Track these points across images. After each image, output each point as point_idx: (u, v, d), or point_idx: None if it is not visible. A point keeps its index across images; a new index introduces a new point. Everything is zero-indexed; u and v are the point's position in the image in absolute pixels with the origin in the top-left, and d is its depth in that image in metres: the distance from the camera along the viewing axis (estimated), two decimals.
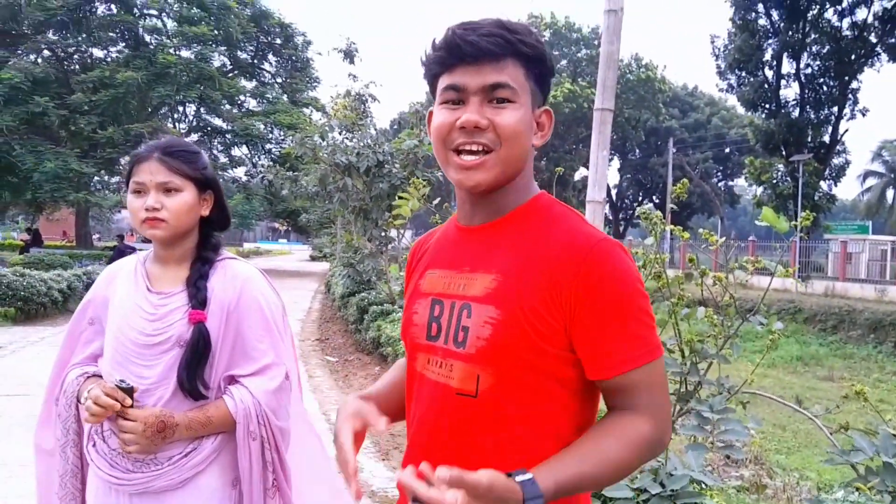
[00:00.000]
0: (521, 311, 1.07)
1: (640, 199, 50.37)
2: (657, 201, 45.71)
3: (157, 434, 1.54)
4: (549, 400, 1.11)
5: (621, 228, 48.26)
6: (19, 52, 24.83)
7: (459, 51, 1.10)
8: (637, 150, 48.33)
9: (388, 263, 10.38)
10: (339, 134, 11.22)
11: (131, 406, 1.53)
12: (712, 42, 31.00)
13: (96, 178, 27.06)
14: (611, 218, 49.36)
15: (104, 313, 1.71)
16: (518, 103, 1.11)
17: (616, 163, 48.18)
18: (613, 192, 48.59)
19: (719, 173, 50.52)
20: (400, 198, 3.52)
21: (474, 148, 1.10)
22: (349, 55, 11.96)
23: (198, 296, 1.64)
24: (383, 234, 10.33)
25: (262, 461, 1.66)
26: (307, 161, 11.09)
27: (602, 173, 2.87)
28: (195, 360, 1.60)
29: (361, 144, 9.40)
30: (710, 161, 47.39)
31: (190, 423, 1.59)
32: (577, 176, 42.35)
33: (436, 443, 1.16)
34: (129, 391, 1.53)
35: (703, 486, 2.59)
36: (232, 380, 1.68)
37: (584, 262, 1.07)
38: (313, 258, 35.51)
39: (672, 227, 3.40)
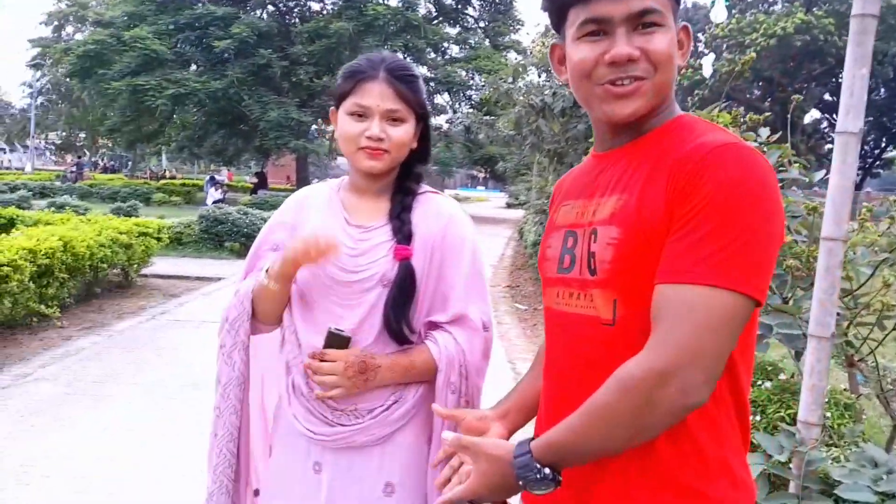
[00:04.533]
0: (640, 227, 0.98)
1: (884, 145, 44.07)
2: None
3: (358, 375, 1.44)
4: None
5: (858, 178, 42.62)
6: (248, 7, 27.11)
7: None
8: (882, 89, 42.02)
9: None
10: (538, 75, 10.77)
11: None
12: None
13: (314, 126, 29.16)
14: None
15: (291, 241, 1.57)
16: (666, 25, 1.03)
17: None
18: None
19: None
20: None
21: (627, 83, 1.03)
22: None
23: (402, 230, 1.50)
24: None
25: None
26: (503, 105, 10.83)
27: (860, 98, 2.28)
28: (402, 299, 1.47)
29: (558, 84, 8.91)
30: None
31: (392, 365, 1.48)
32: (808, 118, 37.90)
33: (573, 382, 1.07)
34: (346, 341, 1.46)
35: None
36: (432, 326, 1.54)
37: (695, 168, 0.94)
38: (509, 205, 35.69)
39: None
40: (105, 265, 7.32)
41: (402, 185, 1.56)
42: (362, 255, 1.49)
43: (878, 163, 45.40)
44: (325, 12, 28.13)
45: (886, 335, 2.66)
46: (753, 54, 2.63)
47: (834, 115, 41.23)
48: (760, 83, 37.41)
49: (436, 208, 1.56)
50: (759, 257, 0.91)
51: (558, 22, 1.10)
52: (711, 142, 0.96)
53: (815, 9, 36.26)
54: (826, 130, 42.54)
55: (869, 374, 2.73)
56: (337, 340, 1.45)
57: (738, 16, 36.24)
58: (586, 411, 0.96)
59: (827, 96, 41.45)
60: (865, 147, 44.32)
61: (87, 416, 4.23)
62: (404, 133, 1.48)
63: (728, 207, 0.90)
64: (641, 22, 1.01)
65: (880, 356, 2.74)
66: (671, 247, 0.94)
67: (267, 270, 1.51)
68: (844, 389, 3.05)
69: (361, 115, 1.46)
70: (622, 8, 1.00)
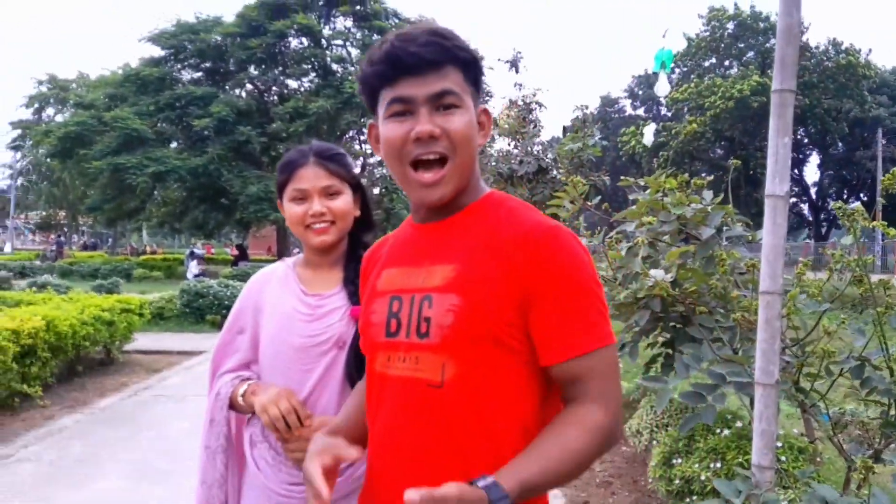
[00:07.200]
0: (481, 297, 1.10)
1: (846, 196, 45.27)
2: (865, 199, 40.77)
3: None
4: (514, 389, 1.12)
5: (823, 230, 43.55)
6: (227, 87, 27.80)
7: (402, 63, 1.12)
8: (839, 144, 43.50)
9: None
10: (508, 144, 11.16)
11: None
12: None
13: None
14: (811, 219, 44.80)
15: (256, 321, 1.72)
16: (463, 108, 1.15)
17: (815, 158, 43.91)
18: (813, 190, 44.23)
19: None
20: (554, 197, 3.33)
21: (431, 157, 1.14)
22: (514, 65, 11.96)
23: (357, 293, 1.60)
24: None
25: None
26: None
27: (784, 164, 2.51)
28: (362, 356, 1.60)
29: (524, 152, 9.28)
30: None
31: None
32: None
33: (404, 440, 1.15)
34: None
35: None
36: None
37: (538, 247, 1.10)
38: None
39: (880, 223, 2.87)
40: (88, 343, 7.34)
41: (353, 254, 1.70)
42: (318, 319, 1.62)
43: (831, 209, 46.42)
44: (302, 89, 28.90)
45: (833, 381, 2.85)
46: (695, 125, 2.88)
47: (794, 171, 42.43)
48: (723, 142, 38.63)
49: None
50: (607, 314, 1.15)
51: (371, 103, 1.21)
52: (542, 223, 1.14)
53: (769, 70, 37.73)
54: None
55: (821, 418, 2.90)
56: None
57: (697, 80, 37.57)
58: (561, 457, 1.05)
59: None
60: (829, 199, 45.50)
61: (69, 496, 4.24)
62: (343, 203, 1.65)
63: (586, 286, 1.11)
64: (441, 103, 1.13)
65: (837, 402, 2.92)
66: (552, 320, 1.10)
67: (243, 395, 1.63)
68: (802, 434, 3.22)
69: (302, 198, 1.63)
70: (424, 89, 1.13)
